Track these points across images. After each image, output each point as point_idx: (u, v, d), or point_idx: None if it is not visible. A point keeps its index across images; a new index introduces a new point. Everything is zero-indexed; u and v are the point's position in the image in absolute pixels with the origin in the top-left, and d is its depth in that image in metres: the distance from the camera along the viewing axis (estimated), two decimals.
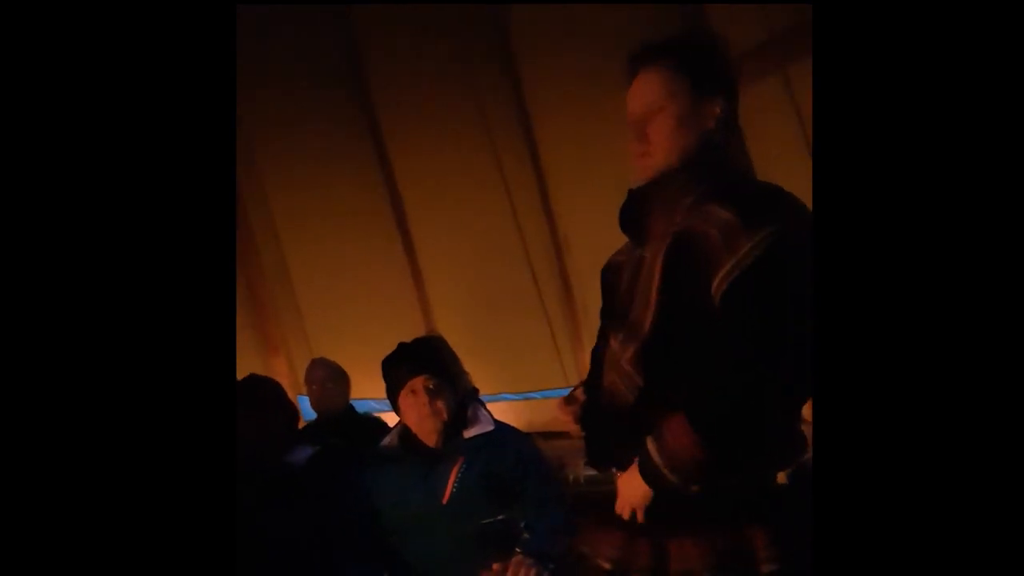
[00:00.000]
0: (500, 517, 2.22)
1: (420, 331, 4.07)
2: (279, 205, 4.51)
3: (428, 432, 2.22)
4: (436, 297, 4.11)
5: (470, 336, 3.98)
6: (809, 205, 1.51)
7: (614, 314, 1.59)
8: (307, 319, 4.74)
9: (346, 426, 3.29)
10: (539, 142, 3.43)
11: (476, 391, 2.64)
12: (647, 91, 1.51)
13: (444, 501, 2.18)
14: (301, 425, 3.77)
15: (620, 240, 1.65)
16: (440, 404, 2.20)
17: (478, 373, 3.44)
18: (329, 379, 3.46)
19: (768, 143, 2.76)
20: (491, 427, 2.28)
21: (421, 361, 2.24)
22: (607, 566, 1.51)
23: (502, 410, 3.76)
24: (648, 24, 2.83)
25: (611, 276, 1.64)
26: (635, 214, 1.57)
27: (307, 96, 4.05)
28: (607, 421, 1.55)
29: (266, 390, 3.07)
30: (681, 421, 1.41)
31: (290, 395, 3.66)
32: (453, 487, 2.19)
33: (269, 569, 2.25)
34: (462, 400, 2.31)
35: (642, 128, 1.51)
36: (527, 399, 3.97)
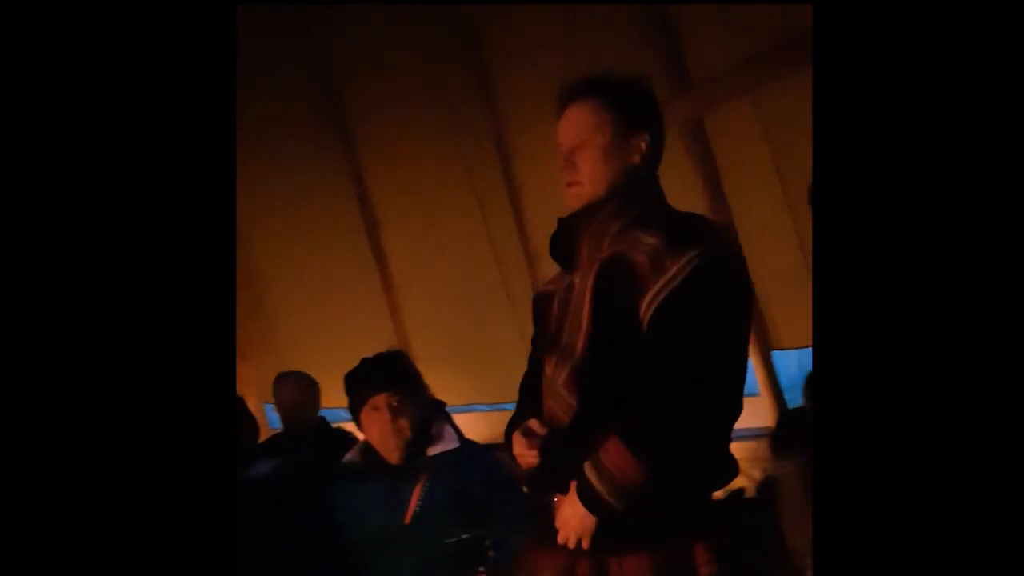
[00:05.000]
0: (465, 536, 2.18)
1: (390, 340, 4.04)
2: (249, 211, 4.45)
3: (390, 449, 2.19)
4: (407, 306, 4.08)
5: (441, 346, 3.96)
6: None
7: (547, 341, 1.62)
8: (276, 326, 4.69)
9: (317, 437, 3.25)
10: (512, 154, 3.41)
11: (442, 404, 2.61)
12: (575, 124, 1.57)
13: (407, 520, 2.15)
14: (269, 435, 3.73)
15: None
16: (403, 421, 2.17)
17: (449, 383, 3.42)
18: (297, 396, 3.40)
19: (737, 165, 2.76)
20: (456, 444, 2.25)
21: (384, 378, 2.22)
22: None
23: (473, 420, 3.74)
24: (621, 38, 2.83)
25: (542, 304, 1.68)
26: (565, 242, 1.61)
27: (279, 104, 4.02)
28: (549, 447, 1.56)
29: None
30: (617, 444, 1.43)
31: (257, 403, 3.63)
32: (416, 506, 2.16)
33: None
34: (426, 416, 2.28)
35: (571, 159, 1.56)
36: (499, 410, 3.94)
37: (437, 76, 3.54)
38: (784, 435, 0.76)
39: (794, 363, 3.05)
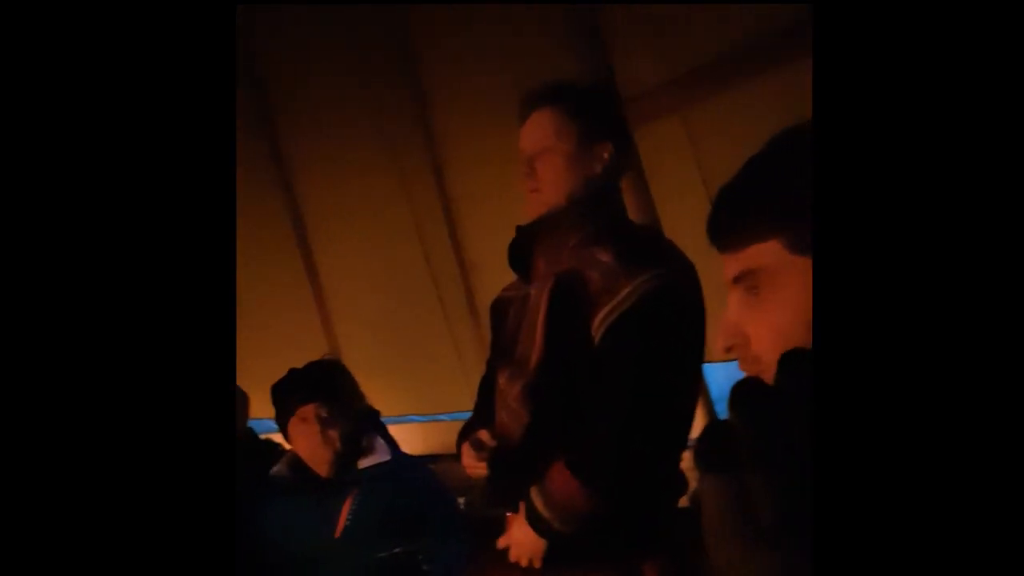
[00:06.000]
0: (397, 550, 2.16)
1: (322, 350, 3.97)
2: None
3: (320, 462, 2.15)
4: (340, 317, 4.03)
5: (376, 358, 3.92)
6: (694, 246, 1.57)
7: (502, 350, 1.60)
8: None
9: (244, 450, 3.18)
10: (445, 165, 3.41)
11: (377, 413, 2.58)
12: (538, 130, 1.56)
13: (337, 534, 2.12)
14: None
15: None
16: (333, 433, 2.12)
17: (385, 394, 3.38)
18: None
19: (666, 183, 2.80)
20: (388, 457, 2.22)
21: (313, 388, 2.17)
22: None
23: (409, 432, 3.71)
24: (553, 52, 2.85)
25: (500, 310, 1.66)
26: (523, 251, 1.59)
27: None
28: (501, 460, 1.55)
29: None
30: (564, 471, 1.42)
31: None
32: (347, 520, 2.12)
33: None
34: (358, 427, 2.25)
35: (532, 165, 1.55)
36: (435, 421, 3.92)
37: (368, 89, 3.52)
38: (707, 448, 0.75)
39: (722, 375, 3.10)
